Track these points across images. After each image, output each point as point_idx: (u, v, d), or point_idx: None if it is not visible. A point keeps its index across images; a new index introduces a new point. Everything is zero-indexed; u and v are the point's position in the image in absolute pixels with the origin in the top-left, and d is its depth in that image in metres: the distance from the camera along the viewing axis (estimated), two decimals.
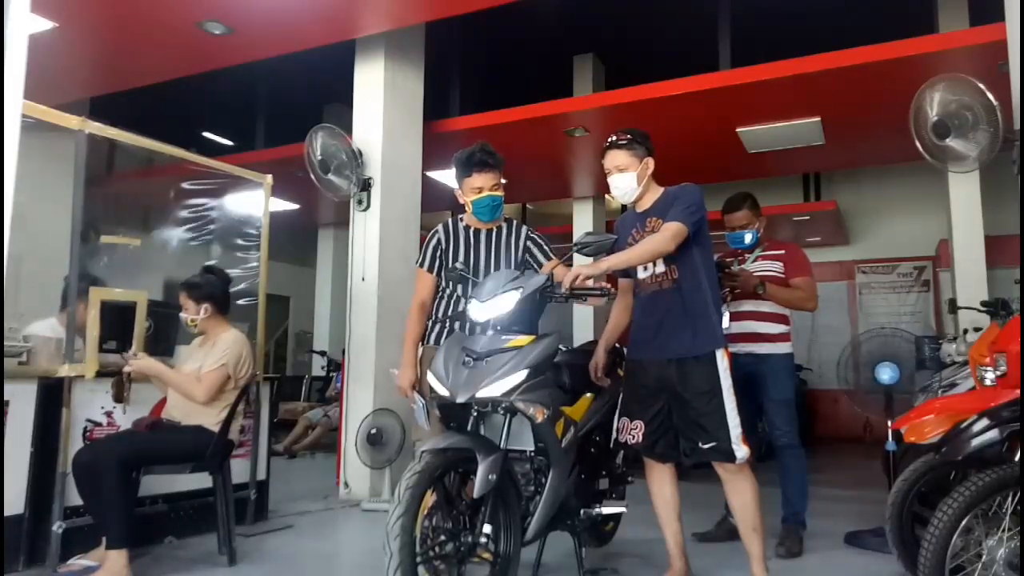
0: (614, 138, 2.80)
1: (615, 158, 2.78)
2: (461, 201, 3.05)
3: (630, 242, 2.80)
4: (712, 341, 2.68)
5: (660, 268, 2.74)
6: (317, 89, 7.91)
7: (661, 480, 2.86)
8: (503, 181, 3.05)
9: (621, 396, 2.92)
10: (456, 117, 6.88)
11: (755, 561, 2.73)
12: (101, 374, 3.50)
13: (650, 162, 2.79)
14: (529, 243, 3.11)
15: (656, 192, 2.84)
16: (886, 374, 3.98)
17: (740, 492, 2.73)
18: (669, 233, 2.60)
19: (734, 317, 3.70)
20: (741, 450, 2.63)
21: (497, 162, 2.96)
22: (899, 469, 3.16)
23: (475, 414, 2.44)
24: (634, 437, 2.78)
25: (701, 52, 6.17)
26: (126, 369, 3.30)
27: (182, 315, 3.47)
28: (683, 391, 2.67)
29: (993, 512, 2.16)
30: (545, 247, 3.13)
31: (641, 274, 2.80)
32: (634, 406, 2.81)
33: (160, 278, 5.45)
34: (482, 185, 2.93)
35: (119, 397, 3.35)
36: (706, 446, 2.63)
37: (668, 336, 2.71)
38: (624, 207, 3.05)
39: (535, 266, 3.08)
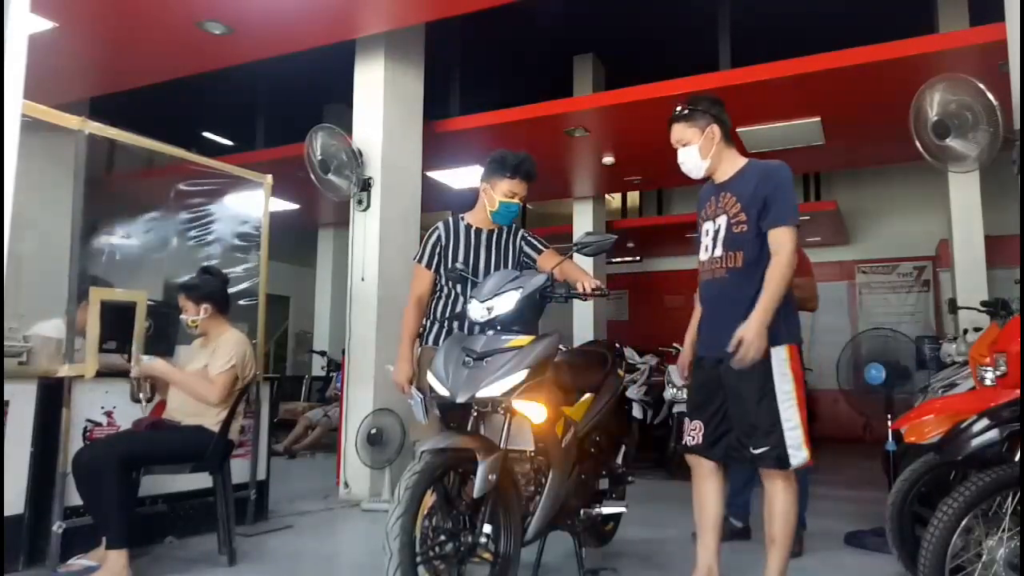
0: (676, 110, 2.60)
1: (676, 133, 2.59)
2: (484, 195, 3.07)
3: (703, 216, 2.63)
4: (770, 337, 2.40)
5: (718, 252, 2.52)
6: (317, 89, 7.91)
7: (702, 481, 2.66)
8: None
9: (687, 395, 2.80)
10: (456, 117, 6.88)
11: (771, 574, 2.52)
12: (101, 374, 3.51)
13: (715, 130, 2.55)
14: (523, 243, 3.18)
15: (736, 162, 2.59)
16: (873, 374, 3.98)
17: (771, 499, 2.51)
18: (788, 249, 2.41)
19: None
20: (799, 455, 2.41)
21: (535, 178, 3.07)
22: (899, 469, 3.16)
23: (475, 414, 2.44)
24: (693, 439, 2.61)
25: (701, 52, 6.17)
26: (132, 374, 3.27)
27: (183, 317, 3.46)
28: (736, 387, 2.48)
29: (993, 512, 2.16)
30: (536, 242, 3.19)
31: (702, 255, 2.59)
32: (693, 406, 2.66)
33: (160, 278, 5.46)
34: (517, 192, 3.02)
35: (135, 397, 3.34)
36: (757, 451, 2.44)
37: (721, 330, 2.46)
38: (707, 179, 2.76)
39: (531, 263, 3.13)
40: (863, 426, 8.39)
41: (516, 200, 3.02)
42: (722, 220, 2.54)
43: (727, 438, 2.56)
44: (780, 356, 2.45)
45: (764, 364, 2.42)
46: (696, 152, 2.57)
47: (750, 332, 2.34)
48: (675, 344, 6.85)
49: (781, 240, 2.44)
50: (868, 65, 5.09)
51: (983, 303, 4.48)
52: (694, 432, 2.62)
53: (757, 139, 6.59)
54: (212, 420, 3.31)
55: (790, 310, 2.52)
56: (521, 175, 2.99)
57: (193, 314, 3.42)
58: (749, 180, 2.53)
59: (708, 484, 2.67)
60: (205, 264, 3.61)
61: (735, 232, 2.50)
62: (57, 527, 3.21)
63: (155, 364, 3.29)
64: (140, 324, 3.50)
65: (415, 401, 2.91)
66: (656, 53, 7.29)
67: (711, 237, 2.58)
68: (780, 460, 2.42)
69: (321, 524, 4.37)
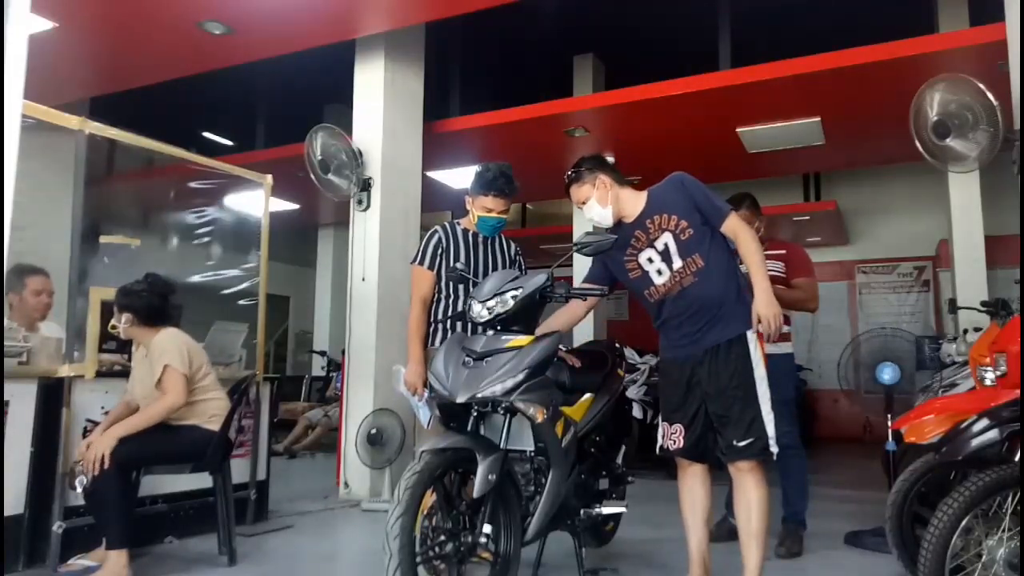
0: (565, 177, 2.76)
1: (574, 196, 2.74)
2: (468, 207, 3.19)
3: (632, 251, 2.67)
4: (741, 324, 2.53)
5: (677, 264, 2.58)
6: (317, 89, 7.91)
7: (693, 481, 2.68)
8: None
9: (660, 400, 2.81)
10: (456, 117, 6.88)
11: (749, 574, 2.53)
12: (101, 374, 3.50)
13: (603, 179, 2.68)
14: (519, 258, 3.32)
15: (638, 197, 2.70)
16: (887, 374, 3.97)
17: (746, 491, 2.53)
18: (742, 228, 2.60)
19: None
20: (774, 445, 2.49)
21: (512, 191, 3.13)
22: (899, 469, 3.16)
23: (475, 414, 2.44)
24: (675, 442, 2.63)
25: (701, 52, 6.17)
26: (90, 457, 2.99)
27: (113, 320, 3.33)
28: (715, 381, 2.53)
29: (993, 512, 2.16)
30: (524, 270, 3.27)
31: (657, 281, 2.64)
32: (672, 409, 2.67)
33: None
34: (493, 208, 3.12)
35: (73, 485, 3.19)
36: (742, 443, 2.48)
37: (702, 329, 2.56)
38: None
39: None
40: (863, 426, 8.40)
41: (494, 215, 3.12)
42: (666, 237, 2.61)
43: (707, 438, 2.60)
44: (752, 342, 2.54)
45: (743, 352, 2.53)
46: (596, 203, 2.69)
47: (763, 306, 2.47)
48: None
49: (734, 226, 2.61)
50: (868, 65, 5.09)
51: (983, 303, 4.48)
52: (675, 436, 2.64)
53: (757, 139, 6.59)
54: (205, 418, 3.29)
55: (750, 298, 2.59)
56: (493, 192, 3.08)
57: (115, 320, 3.29)
58: (669, 197, 2.65)
59: (698, 483, 2.69)
60: (149, 271, 3.36)
61: (685, 240, 2.60)
62: (57, 527, 3.21)
63: (107, 438, 3.02)
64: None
65: (423, 405, 2.92)
66: (656, 53, 7.28)
67: (659, 261, 2.63)
68: (765, 450, 2.49)
69: (321, 524, 4.37)
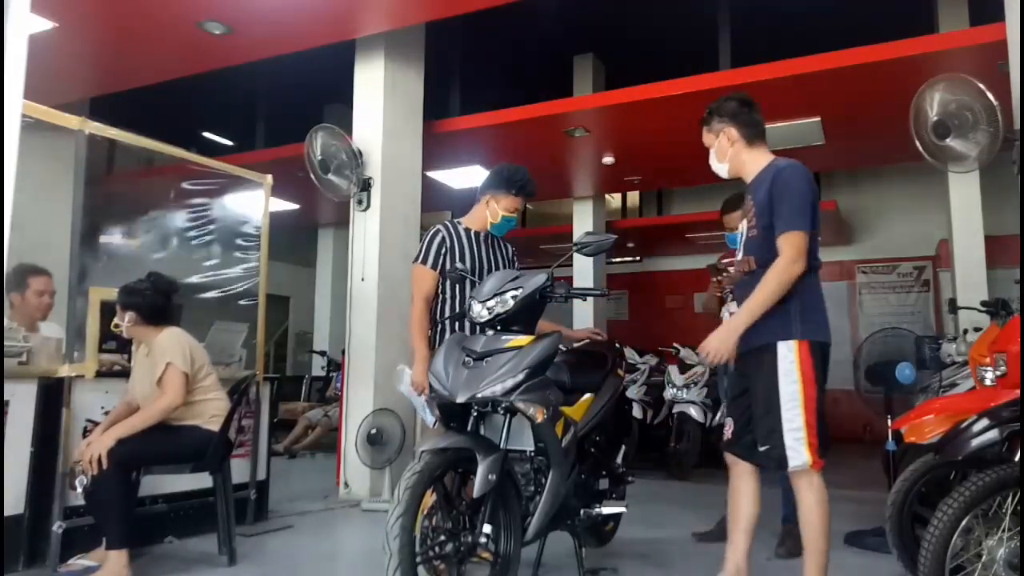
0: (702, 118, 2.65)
1: (703, 139, 2.66)
2: (486, 207, 3.19)
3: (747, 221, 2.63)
4: (773, 333, 2.39)
5: (739, 255, 2.57)
6: (317, 89, 7.91)
7: (739, 482, 2.59)
8: None
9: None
10: (456, 117, 6.88)
11: None
12: (101, 374, 3.50)
13: (730, 132, 2.56)
14: (515, 259, 3.36)
15: (759, 160, 2.55)
16: (906, 373, 3.95)
17: (798, 503, 2.46)
18: (785, 254, 2.33)
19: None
20: (800, 457, 2.34)
21: (535, 195, 3.28)
22: (899, 469, 3.16)
23: (475, 414, 2.44)
24: (726, 435, 2.62)
25: (701, 52, 6.18)
26: (89, 457, 2.99)
27: (115, 319, 3.33)
28: (751, 387, 2.50)
29: (993, 512, 2.16)
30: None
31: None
32: (729, 403, 2.68)
33: None
34: (517, 208, 3.20)
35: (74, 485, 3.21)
36: (761, 449, 2.42)
37: (749, 329, 2.44)
38: None
39: None
40: (863, 426, 8.40)
41: (514, 215, 3.20)
42: (743, 225, 2.58)
43: (750, 435, 2.52)
44: (784, 353, 2.39)
45: (771, 361, 2.40)
46: (714, 155, 2.64)
47: (713, 337, 2.41)
48: (675, 344, 6.85)
49: (782, 246, 2.38)
50: (868, 65, 5.09)
51: (983, 303, 4.48)
52: (727, 429, 2.62)
53: None
54: (205, 418, 3.30)
55: (807, 305, 2.42)
56: (524, 195, 3.18)
57: (119, 319, 3.30)
58: (763, 184, 2.49)
59: (742, 484, 2.60)
60: (152, 271, 3.39)
61: (749, 237, 2.53)
62: (57, 527, 3.21)
63: (106, 437, 3.03)
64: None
65: (427, 403, 2.92)
66: (656, 53, 7.28)
67: (741, 241, 2.62)
68: (779, 461, 2.39)
69: (321, 524, 4.37)
